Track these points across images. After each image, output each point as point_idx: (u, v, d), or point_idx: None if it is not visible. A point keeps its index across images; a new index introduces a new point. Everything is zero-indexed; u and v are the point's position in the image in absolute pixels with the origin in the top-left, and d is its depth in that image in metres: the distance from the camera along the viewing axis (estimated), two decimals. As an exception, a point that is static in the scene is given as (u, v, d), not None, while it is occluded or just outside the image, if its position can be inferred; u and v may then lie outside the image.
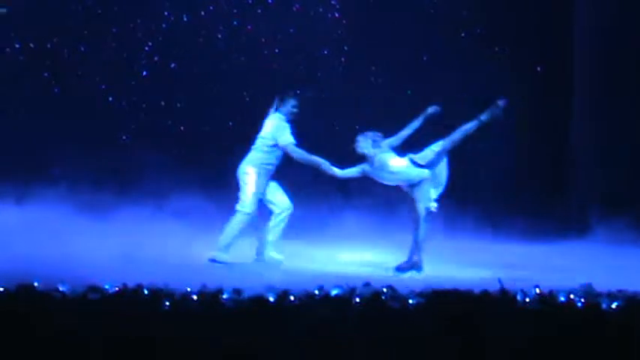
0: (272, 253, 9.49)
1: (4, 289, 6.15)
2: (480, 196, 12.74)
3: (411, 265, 9.35)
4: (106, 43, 13.15)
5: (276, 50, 13.38)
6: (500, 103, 9.65)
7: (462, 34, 13.50)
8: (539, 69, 13.53)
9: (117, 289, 6.49)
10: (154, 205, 11.07)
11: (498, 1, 13.48)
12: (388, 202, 11.22)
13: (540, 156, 13.36)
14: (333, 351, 5.45)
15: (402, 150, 9.80)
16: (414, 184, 9.49)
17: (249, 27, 13.36)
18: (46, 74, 13.10)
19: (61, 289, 6.34)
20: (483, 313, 6.01)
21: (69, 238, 9.36)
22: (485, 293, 6.57)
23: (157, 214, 10.89)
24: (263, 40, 13.34)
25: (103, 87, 13.17)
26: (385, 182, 9.68)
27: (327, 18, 13.44)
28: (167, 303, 5.99)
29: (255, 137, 9.78)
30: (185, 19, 13.33)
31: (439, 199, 9.55)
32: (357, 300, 6.33)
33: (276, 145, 9.58)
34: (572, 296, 6.80)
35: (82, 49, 13.15)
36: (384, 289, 6.68)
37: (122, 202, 11.16)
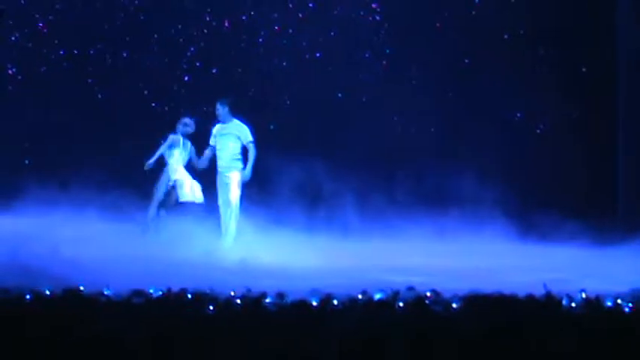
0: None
1: (51, 293, 6.21)
2: (526, 200, 12.62)
3: None
4: (148, 49, 13.26)
5: (318, 54, 13.38)
6: None
7: (505, 36, 13.39)
8: (584, 69, 13.36)
9: (161, 293, 6.52)
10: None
11: (541, 2, 13.34)
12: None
13: (586, 158, 13.19)
14: (376, 356, 5.42)
15: None
16: None
17: (290, 31, 13.38)
18: (89, 80, 13.23)
19: (106, 292, 6.38)
20: (528, 317, 5.94)
21: (111, 241, 9.44)
22: (530, 297, 6.49)
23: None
24: (304, 44, 13.35)
25: (146, 92, 13.28)
26: None
27: (367, 21, 13.41)
28: (211, 307, 6.00)
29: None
30: (226, 24, 13.38)
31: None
32: (401, 304, 6.29)
33: None
34: (619, 301, 6.69)
35: (125, 55, 13.27)
36: (428, 294, 6.63)
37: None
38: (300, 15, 13.38)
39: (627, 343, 5.51)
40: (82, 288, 6.38)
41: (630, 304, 6.62)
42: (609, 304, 6.64)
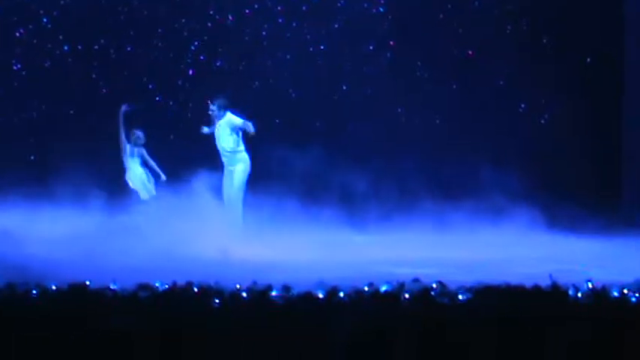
0: None
1: (57, 288, 6.22)
2: (531, 191, 12.60)
3: None
4: (152, 43, 13.26)
5: (322, 47, 13.37)
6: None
7: (509, 27, 13.35)
8: (588, 60, 13.33)
9: (167, 287, 6.52)
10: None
11: (545, -7, 13.31)
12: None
13: (591, 150, 13.17)
14: (382, 347, 5.42)
15: None
16: None
17: (294, 24, 13.36)
18: (94, 75, 13.24)
19: (112, 287, 6.39)
20: (534, 308, 5.94)
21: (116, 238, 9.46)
22: (536, 288, 6.48)
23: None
24: (308, 37, 13.34)
25: (150, 87, 13.28)
26: None
27: (372, 13, 13.39)
28: (217, 300, 6.01)
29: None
30: (230, 17, 13.37)
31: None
32: (407, 296, 6.28)
33: None
34: (625, 291, 6.68)
35: (129, 49, 13.27)
36: (434, 285, 6.62)
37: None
38: (304, 8, 13.37)
39: (633, 333, 5.50)
40: (88, 283, 6.38)
41: (637, 295, 6.60)
42: (616, 294, 6.63)
